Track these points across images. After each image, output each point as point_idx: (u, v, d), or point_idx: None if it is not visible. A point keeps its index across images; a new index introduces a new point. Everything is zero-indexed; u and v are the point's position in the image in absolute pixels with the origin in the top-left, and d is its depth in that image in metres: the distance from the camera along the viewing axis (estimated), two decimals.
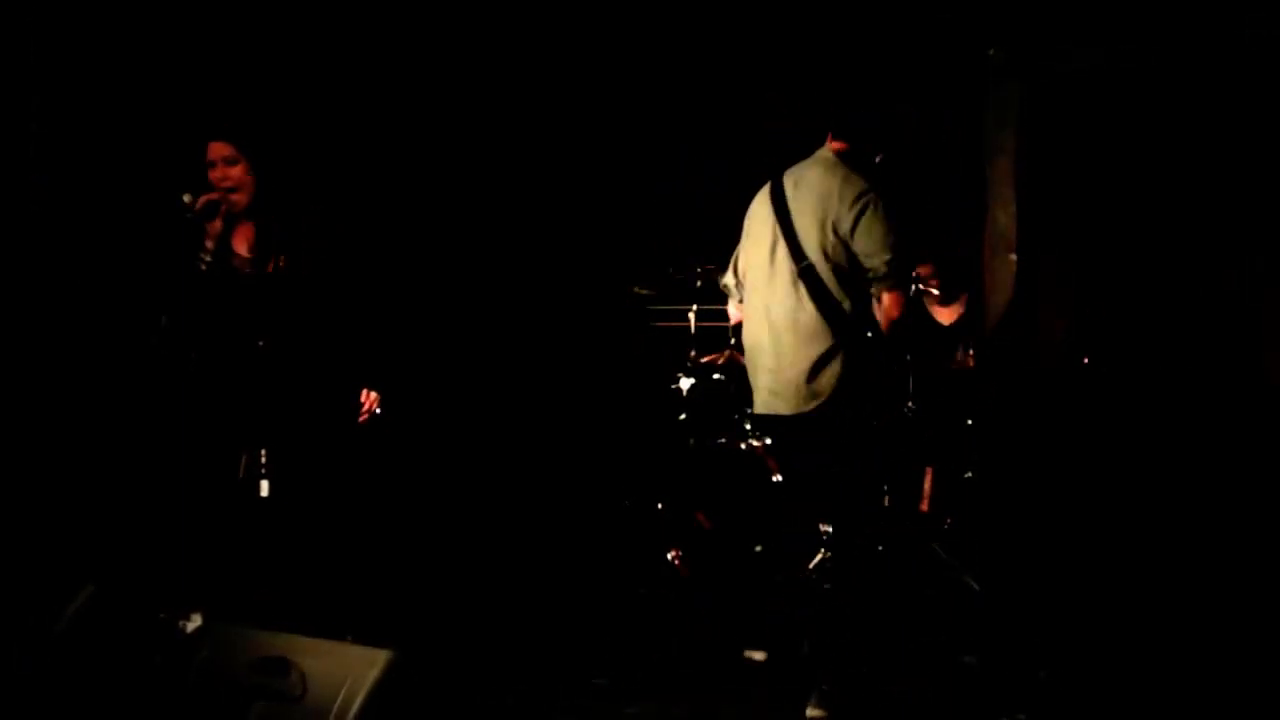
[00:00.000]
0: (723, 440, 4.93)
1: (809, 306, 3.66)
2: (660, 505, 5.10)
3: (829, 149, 3.81)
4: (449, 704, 3.62)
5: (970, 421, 4.95)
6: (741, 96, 6.11)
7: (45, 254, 4.73)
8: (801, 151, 3.90)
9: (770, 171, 3.96)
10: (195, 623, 2.73)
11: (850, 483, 3.77)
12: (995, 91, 5.81)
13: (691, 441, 5.04)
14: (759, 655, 4.07)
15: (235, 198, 3.82)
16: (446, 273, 5.64)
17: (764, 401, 3.83)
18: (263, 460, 3.43)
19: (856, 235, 3.62)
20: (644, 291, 5.55)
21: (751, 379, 3.91)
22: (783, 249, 3.72)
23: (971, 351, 4.98)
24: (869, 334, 3.69)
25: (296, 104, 5.34)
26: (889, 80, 5.66)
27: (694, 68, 6.06)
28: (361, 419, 3.80)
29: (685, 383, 5.08)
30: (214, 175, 3.94)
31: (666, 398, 5.15)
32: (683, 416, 5.09)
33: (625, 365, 5.98)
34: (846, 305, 3.65)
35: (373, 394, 3.86)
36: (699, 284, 5.17)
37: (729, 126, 6.10)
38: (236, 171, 3.86)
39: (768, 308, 3.76)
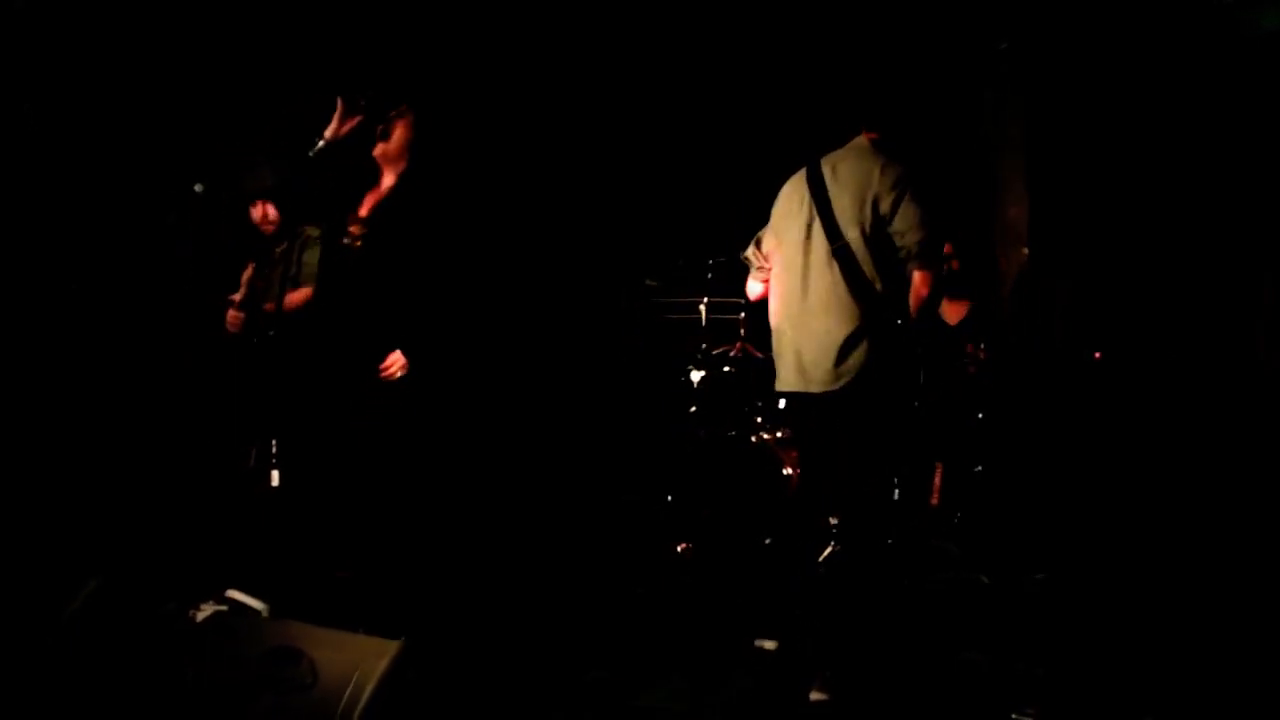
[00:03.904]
0: (733, 432, 4.92)
1: (842, 285, 3.69)
2: (670, 498, 5.09)
3: (863, 138, 3.87)
4: (457, 695, 3.61)
5: (980, 416, 4.94)
6: (754, 88, 6.10)
7: (51, 248, 4.73)
8: (821, 141, 3.93)
9: (782, 163, 3.99)
10: (206, 612, 2.73)
11: (865, 465, 3.77)
12: (1006, 85, 5.81)
13: (702, 434, 5.03)
14: (770, 644, 4.06)
15: (266, 229, 3.97)
16: (453, 265, 5.62)
17: (787, 379, 3.86)
18: (273, 451, 3.42)
19: (895, 214, 3.66)
20: (653, 283, 5.54)
21: (775, 355, 3.93)
22: (818, 228, 3.75)
23: (982, 346, 4.96)
24: (898, 317, 3.71)
25: (307, 101, 5.34)
26: (901, 74, 5.65)
27: (707, 60, 6.05)
28: (385, 374, 3.72)
29: (696, 375, 5.07)
30: (256, 214, 4.06)
31: (677, 390, 5.14)
32: (693, 409, 5.08)
33: (635, 357, 5.96)
34: (879, 285, 3.68)
35: (400, 358, 3.76)
36: (710, 275, 5.16)
37: (740, 119, 6.09)
38: (275, 210, 4.01)
39: (801, 286, 3.79)
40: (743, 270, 4.22)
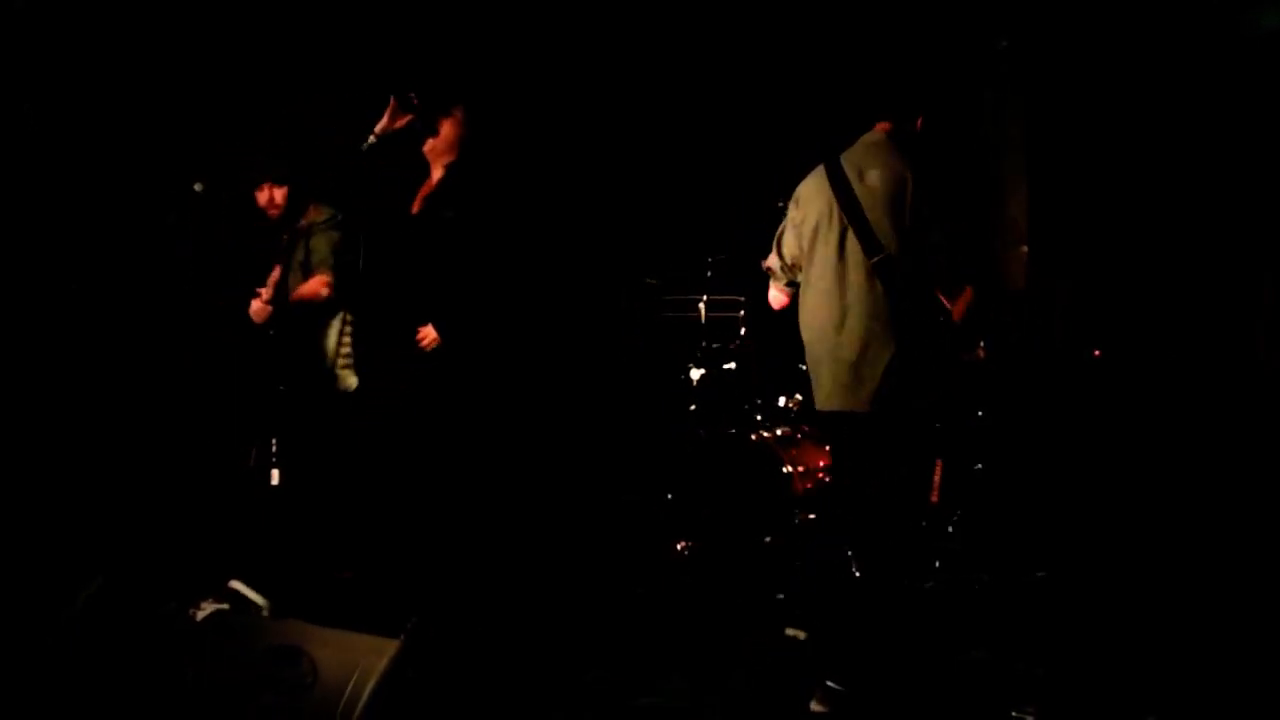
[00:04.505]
0: (733, 431, 4.92)
1: (884, 302, 3.55)
2: (670, 496, 5.09)
3: (879, 132, 3.70)
4: (457, 694, 3.61)
5: (980, 413, 4.93)
6: (753, 84, 6.08)
7: (52, 248, 4.74)
8: (817, 136, 3.84)
9: (778, 158, 3.91)
10: (206, 610, 2.73)
11: (903, 477, 3.68)
12: (1005, 82, 5.81)
13: (702, 433, 5.02)
14: (800, 634, 4.03)
15: (272, 213, 4.11)
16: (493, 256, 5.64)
17: (829, 398, 3.70)
18: (273, 450, 3.43)
19: (935, 226, 3.53)
20: (654, 282, 5.54)
21: (813, 371, 3.77)
22: (853, 240, 3.59)
23: (982, 343, 4.95)
24: (942, 330, 3.61)
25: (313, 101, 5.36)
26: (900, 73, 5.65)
27: (701, 58, 6.03)
28: (422, 344, 3.85)
29: (695, 373, 5.07)
30: (263, 198, 4.19)
31: (677, 389, 5.14)
32: (693, 407, 5.08)
33: (635, 356, 5.95)
34: (921, 299, 3.56)
35: (433, 333, 3.87)
36: (709, 274, 5.16)
37: (739, 116, 6.08)
38: (281, 194, 4.16)
39: (840, 302, 3.63)
40: (741, 268, 4.19)
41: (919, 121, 3.73)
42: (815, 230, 3.70)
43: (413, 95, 3.74)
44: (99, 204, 5.07)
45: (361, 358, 4.63)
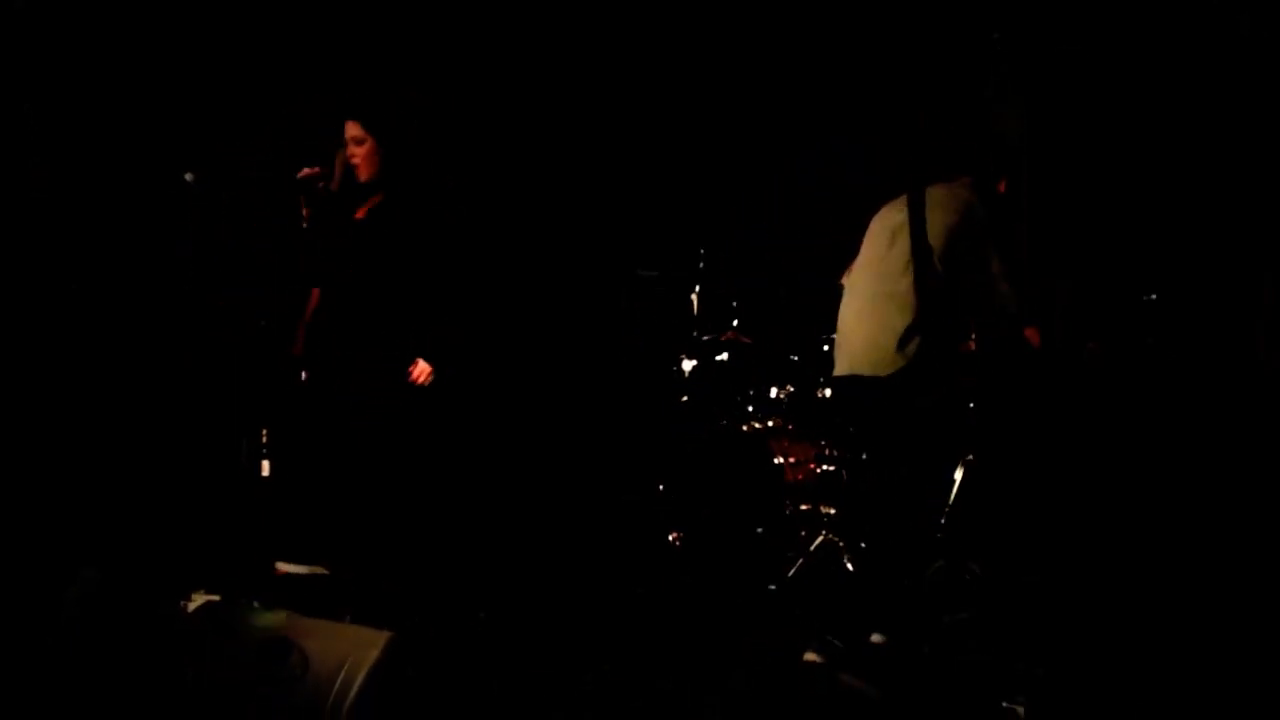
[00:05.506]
0: (725, 422, 4.92)
1: (909, 288, 3.78)
2: (663, 489, 5.10)
3: (962, 179, 4.00)
4: (456, 695, 3.61)
5: (971, 405, 4.92)
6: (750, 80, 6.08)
7: (46, 241, 4.75)
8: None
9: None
10: (197, 602, 2.73)
11: (904, 482, 3.82)
12: (999, 77, 5.81)
13: (694, 424, 5.03)
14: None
15: None
16: (454, 265, 5.65)
17: (837, 362, 3.99)
18: (263, 442, 3.44)
19: (969, 274, 3.80)
20: (650, 274, 5.55)
21: (837, 355, 4.05)
22: (904, 239, 3.77)
23: (974, 335, 4.94)
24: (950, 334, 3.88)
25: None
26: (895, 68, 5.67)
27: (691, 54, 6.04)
28: (417, 380, 3.85)
29: (688, 364, 5.08)
30: None
31: (668, 379, 5.15)
32: (685, 398, 5.09)
33: (628, 347, 5.96)
34: (946, 294, 3.80)
35: (426, 367, 3.89)
36: (701, 265, 5.17)
37: (727, 108, 6.08)
38: None
39: (867, 274, 3.94)
40: (738, 262, 4.24)
41: (1001, 184, 4.08)
42: (874, 232, 4.04)
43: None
44: (99, 204, 5.08)
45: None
